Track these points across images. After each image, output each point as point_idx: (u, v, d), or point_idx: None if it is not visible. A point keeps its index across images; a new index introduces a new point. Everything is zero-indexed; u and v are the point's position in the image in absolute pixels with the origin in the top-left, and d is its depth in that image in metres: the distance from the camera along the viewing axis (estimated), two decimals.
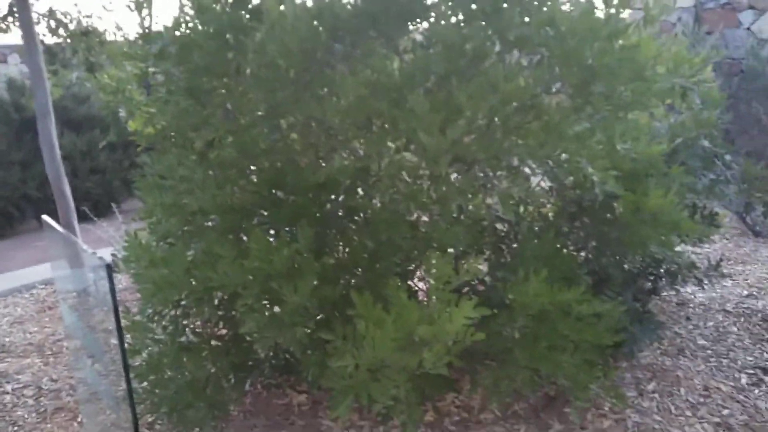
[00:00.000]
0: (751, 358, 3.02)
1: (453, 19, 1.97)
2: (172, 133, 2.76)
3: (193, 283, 2.06)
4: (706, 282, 3.49)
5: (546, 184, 2.75)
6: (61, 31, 3.49)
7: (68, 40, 3.55)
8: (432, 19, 2.16)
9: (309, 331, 2.08)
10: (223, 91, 2.56)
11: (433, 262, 1.84)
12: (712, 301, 3.72)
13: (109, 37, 3.79)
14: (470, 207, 2.40)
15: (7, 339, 3.93)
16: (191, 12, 2.66)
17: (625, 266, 2.88)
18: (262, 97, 2.47)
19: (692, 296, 3.82)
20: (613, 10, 1.84)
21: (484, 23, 1.95)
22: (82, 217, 6.25)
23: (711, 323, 3.43)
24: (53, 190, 3.39)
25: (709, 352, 3.11)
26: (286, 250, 2.07)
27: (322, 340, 2.05)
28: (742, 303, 3.67)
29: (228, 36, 2.48)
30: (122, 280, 4.64)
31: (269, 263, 2.00)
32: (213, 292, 2.18)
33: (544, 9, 1.86)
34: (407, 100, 2.00)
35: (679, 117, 3.20)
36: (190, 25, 2.53)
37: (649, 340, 2.77)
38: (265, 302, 2.13)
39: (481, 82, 1.81)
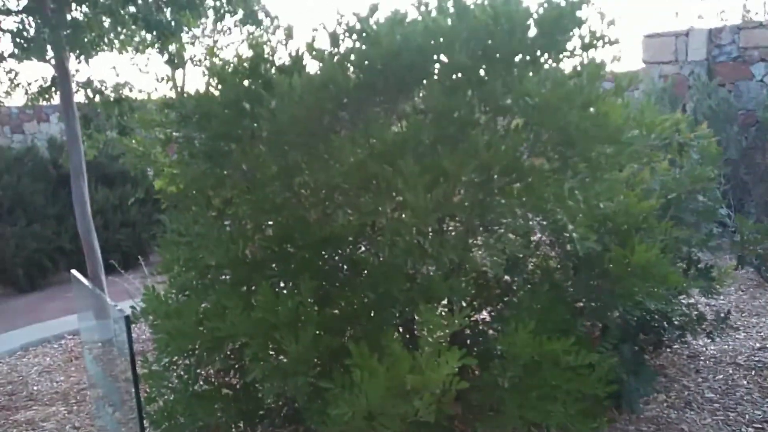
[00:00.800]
0: (759, 413, 3.01)
1: (442, 89, 2.16)
2: (193, 192, 2.99)
3: (204, 333, 2.22)
4: (715, 335, 3.51)
5: (547, 237, 2.87)
6: (96, 98, 3.82)
7: (103, 107, 3.87)
8: (422, 88, 2.36)
9: (311, 380, 2.20)
10: (239, 153, 2.78)
11: (424, 310, 1.97)
12: (724, 354, 3.72)
13: (141, 96, 4.11)
14: (471, 258, 2.53)
15: (35, 388, 4.12)
16: (213, 82, 2.94)
17: (632, 317, 2.95)
18: (274, 160, 2.69)
19: (704, 349, 3.81)
20: (585, 81, 2.01)
21: (470, 93, 2.14)
22: (111, 270, 6.57)
23: (720, 376, 3.43)
24: (83, 245, 3.64)
25: (716, 405, 3.11)
26: (290, 301, 2.22)
27: (323, 388, 2.17)
28: (754, 356, 3.65)
29: (244, 104, 2.72)
30: (145, 331, 4.82)
31: (274, 314, 2.15)
32: (222, 342, 2.33)
33: (523, 81, 2.04)
34: (399, 163, 2.19)
35: (676, 172, 3.31)
36: (210, 93, 2.79)
37: (645, 393, 2.80)
38: (271, 352, 2.27)
39: (466, 148, 1.98)
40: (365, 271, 2.61)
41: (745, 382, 3.33)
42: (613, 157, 2.05)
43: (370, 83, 2.49)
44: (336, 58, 2.52)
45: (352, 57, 2.47)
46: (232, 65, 2.82)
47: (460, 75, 2.22)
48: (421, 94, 2.55)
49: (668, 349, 3.76)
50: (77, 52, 3.00)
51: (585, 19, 2.34)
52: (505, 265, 2.61)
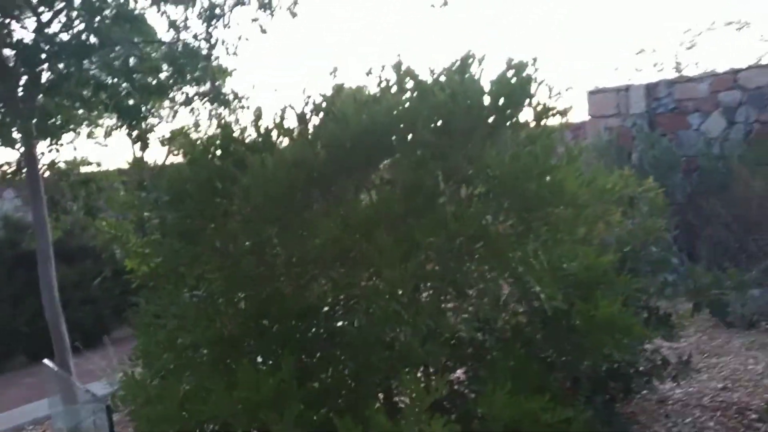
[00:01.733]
0: None
1: (409, 164, 2.30)
2: (167, 270, 3.01)
3: (186, 416, 2.21)
4: (679, 379, 3.64)
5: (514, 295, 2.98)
6: (63, 181, 3.85)
7: (69, 188, 3.90)
8: (390, 163, 2.50)
9: None
10: (212, 231, 2.84)
11: (406, 380, 2.03)
12: (690, 397, 3.84)
13: (106, 171, 4.15)
14: (446, 322, 2.61)
15: None
16: (183, 162, 3.02)
17: (601, 368, 3.04)
18: (248, 236, 2.75)
19: (671, 392, 3.93)
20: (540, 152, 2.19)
21: (434, 167, 2.28)
22: (74, 350, 6.39)
23: (689, 419, 3.54)
24: (51, 331, 3.58)
25: None
26: (272, 379, 2.24)
27: None
28: (718, 396, 3.79)
29: (216, 183, 2.79)
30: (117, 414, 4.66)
31: (257, 392, 2.17)
32: (203, 424, 2.31)
33: (483, 154, 2.20)
34: (373, 235, 2.29)
35: (629, 224, 3.52)
36: (182, 173, 2.85)
37: None
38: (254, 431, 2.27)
39: (434, 218, 2.10)
40: (343, 342, 2.65)
41: (712, 424, 3.45)
42: (571, 221, 2.21)
43: (339, 160, 2.61)
44: (305, 137, 2.65)
45: (321, 136, 2.60)
46: (201, 145, 2.91)
47: (424, 150, 2.36)
48: (388, 166, 2.70)
49: (638, 396, 3.86)
50: (47, 137, 3.05)
51: (534, 93, 2.55)
52: (477, 326, 2.71)
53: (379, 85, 2.74)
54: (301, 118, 2.79)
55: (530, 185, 2.15)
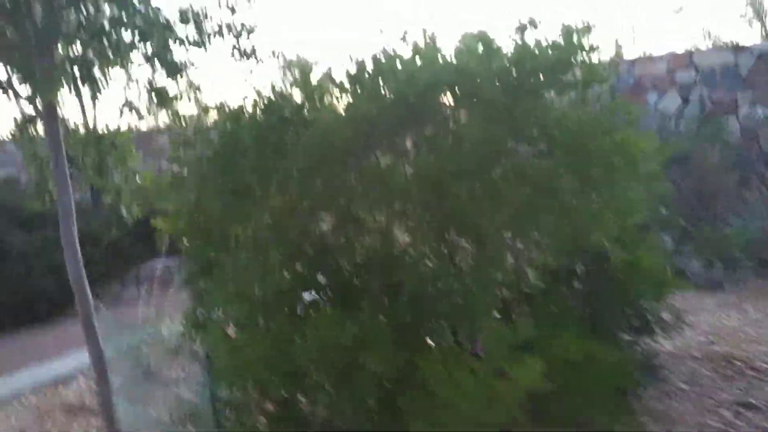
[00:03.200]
0: (728, 396, 3.47)
1: (480, 119, 2.41)
2: (213, 228, 3.00)
3: (271, 364, 2.27)
4: (671, 333, 3.97)
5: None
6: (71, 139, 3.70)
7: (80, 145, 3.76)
8: (456, 122, 2.61)
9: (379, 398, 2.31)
10: (265, 188, 2.85)
11: (489, 325, 2.18)
12: (679, 350, 4.20)
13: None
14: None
15: None
16: (222, 120, 3.02)
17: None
18: (304, 193, 2.79)
19: (660, 346, 4.28)
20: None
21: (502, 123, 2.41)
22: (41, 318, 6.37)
23: (683, 368, 3.89)
24: (75, 291, 3.47)
25: (691, 394, 3.54)
26: (349, 324, 2.33)
27: (390, 406, 2.29)
28: (704, 348, 4.18)
29: (271, 141, 2.80)
30: None
31: (341, 336, 2.25)
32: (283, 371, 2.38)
33: (551, 113, 2.35)
34: (444, 188, 2.42)
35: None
36: (235, 132, 2.84)
37: (652, 385, 3.17)
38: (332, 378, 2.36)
39: (512, 170, 2.24)
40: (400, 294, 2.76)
41: (707, 372, 3.81)
42: (629, 177, 2.40)
43: (397, 116, 2.68)
44: (365, 93, 2.70)
45: (382, 92, 2.65)
46: (252, 106, 2.90)
47: (489, 107, 2.48)
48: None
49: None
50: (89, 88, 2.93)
51: (581, 60, 2.72)
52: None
53: (414, 48, 2.80)
54: (355, 77, 2.83)
55: (594, 143, 2.32)
